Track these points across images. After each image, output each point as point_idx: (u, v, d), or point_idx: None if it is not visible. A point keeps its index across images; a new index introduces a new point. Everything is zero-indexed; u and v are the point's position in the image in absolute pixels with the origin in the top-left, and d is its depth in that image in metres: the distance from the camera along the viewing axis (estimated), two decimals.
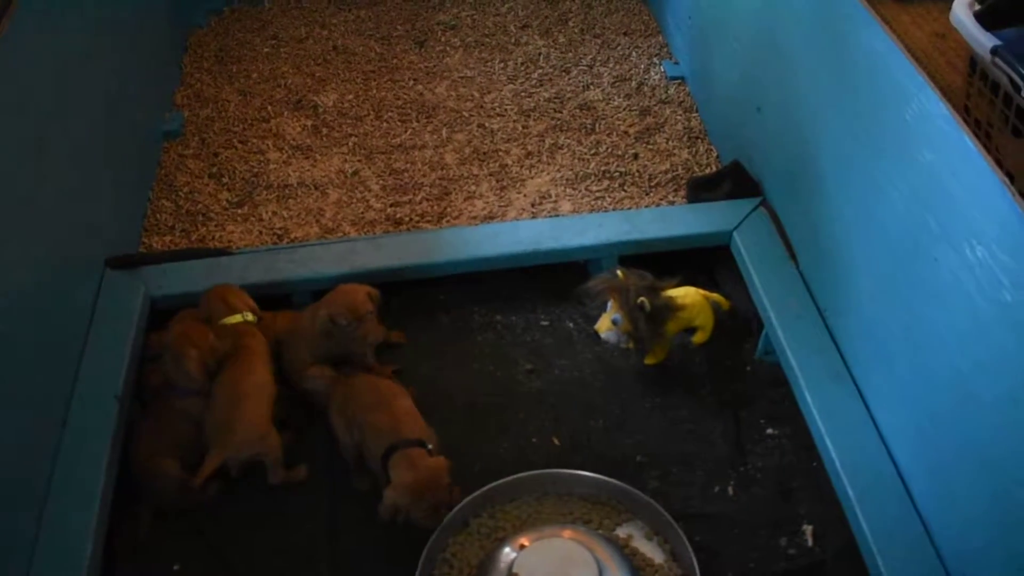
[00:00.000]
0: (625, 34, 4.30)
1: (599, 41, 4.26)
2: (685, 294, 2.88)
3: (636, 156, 3.60)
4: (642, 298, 2.72)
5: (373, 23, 4.41)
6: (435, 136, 3.74)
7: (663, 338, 2.86)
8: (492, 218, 3.36)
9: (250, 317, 2.75)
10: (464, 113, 3.86)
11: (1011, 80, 1.93)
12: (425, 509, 2.36)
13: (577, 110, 3.85)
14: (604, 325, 2.84)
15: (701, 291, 2.94)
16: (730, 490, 2.65)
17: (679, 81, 3.99)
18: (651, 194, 3.43)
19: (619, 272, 2.80)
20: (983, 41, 2.00)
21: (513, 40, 4.28)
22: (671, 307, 2.81)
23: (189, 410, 2.59)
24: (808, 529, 2.55)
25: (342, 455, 2.62)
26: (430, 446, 2.43)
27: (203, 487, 2.58)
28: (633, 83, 3.99)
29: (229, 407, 2.56)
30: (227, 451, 2.52)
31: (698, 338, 2.98)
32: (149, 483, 2.54)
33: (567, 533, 2.43)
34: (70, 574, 2.24)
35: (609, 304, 2.83)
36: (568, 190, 3.46)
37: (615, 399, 2.88)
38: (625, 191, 3.45)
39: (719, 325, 2.97)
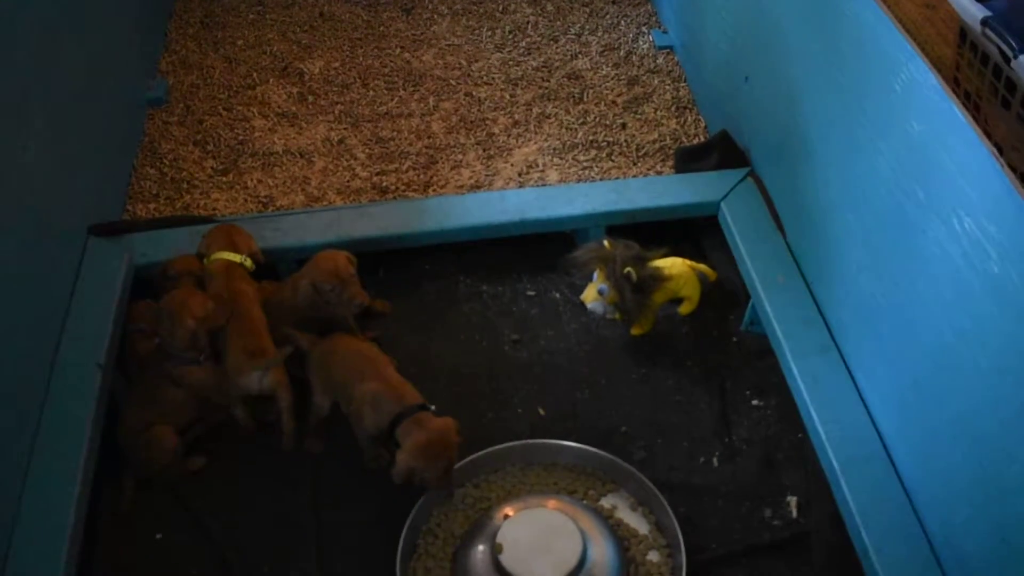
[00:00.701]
0: (613, 3, 4.26)
1: (587, 10, 4.22)
2: (672, 264, 2.88)
3: (624, 126, 3.58)
4: (628, 268, 2.71)
5: None
6: (422, 104, 3.72)
7: (649, 308, 2.86)
8: (479, 187, 3.34)
9: (248, 263, 2.75)
10: (451, 81, 3.83)
11: (1001, 51, 1.92)
12: (439, 470, 2.35)
13: (565, 79, 3.83)
14: (590, 295, 2.83)
15: (688, 261, 2.93)
16: (715, 461, 2.65)
17: (668, 50, 3.96)
18: (639, 164, 3.42)
19: (606, 242, 2.79)
20: (973, 12, 1.99)
21: (501, 8, 4.25)
22: (657, 277, 2.80)
23: (183, 378, 2.58)
24: (792, 500, 2.56)
25: (310, 413, 2.62)
26: (433, 408, 2.42)
27: (190, 459, 2.60)
28: (621, 52, 3.96)
29: (251, 334, 2.60)
30: (256, 363, 2.55)
31: (684, 308, 2.97)
32: (140, 453, 2.54)
33: (552, 503, 2.43)
34: (52, 542, 2.24)
35: (595, 274, 2.82)
36: (555, 159, 3.44)
37: (601, 370, 2.87)
38: (613, 161, 3.43)
39: (705, 296, 2.97)
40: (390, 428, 2.39)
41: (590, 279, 2.85)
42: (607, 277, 2.77)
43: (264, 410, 2.66)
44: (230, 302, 2.63)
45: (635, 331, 2.95)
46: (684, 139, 3.52)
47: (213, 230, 2.81)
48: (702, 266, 2.98)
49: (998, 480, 1.89)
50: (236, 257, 2.73)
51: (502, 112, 3.67)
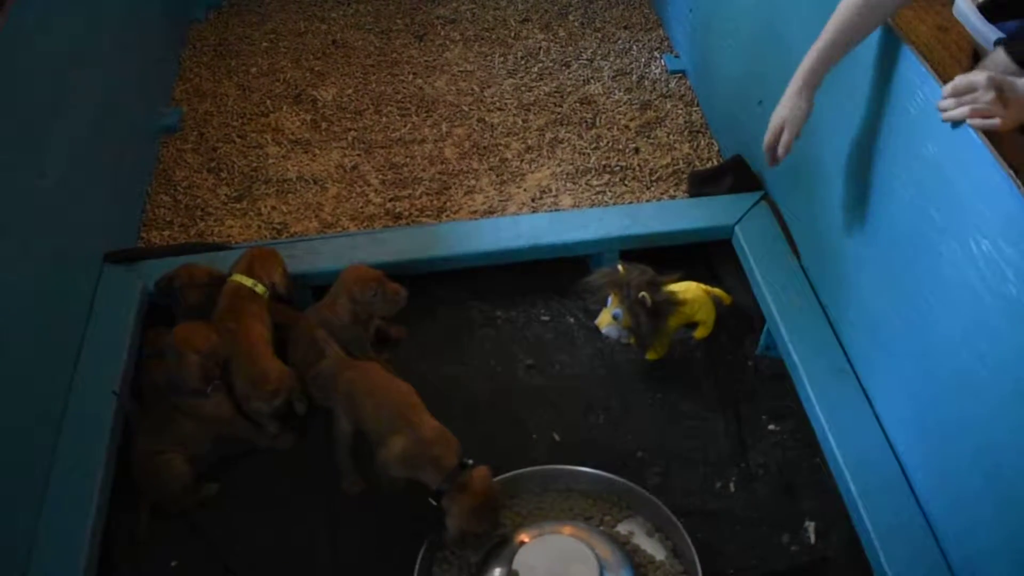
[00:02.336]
0: (625, 28, 4.28)
1: (599, 35, 4.24)
2: (686, 289, 2.87)
3: (637, 150, 3.58)
4: (643, 293, 2.71)
5: (372, 17, 4.39)
6: (435, 130, 3.72)
7: (664, 333, 2.85)
8: (492, 213, 3.34)
9: (259, 289, 2.74)
10: (464, 107, 3.84)
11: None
12: (490, 525, 2.35)
13: (577, 104, 3.83)
14: (605, 320, 2.82)
15: (702, 286, 2.93)
16: (732, 486, 2.63)
17: (680, 75, 3.97)
18: (652, 188, 3.42)
19: (620, 267, 2.79)
20: (987, 33, 1.99)
21: (513, 34, 4.26)
22: (672, 302, 2.79)
23: (194, 411, 2.57)
24: (810, 526, 2.54)
25: (336, 447, 2.60)
26: (470, 461, 2.39)
27: (203, 486, 2.60)
28: (634, 77, 3.97)
29: (252, 358, 2.62)
30: (260, 393, 2.61)
31: (699, 333, 2.97)
32: (152, 480, 2.53)
33: (567, 530, 2.42)
34: (68, 570, 2.23)
35: (610, 299, 2.81)
36: (568, 184, 3.44)
37: (616, 395, 2.86)
38: (626, 185, 3.43)
39: (720, 320, 2.96)
40: (436, 495, 2.36)
41: (604, 304, 2.84)
42: (621, 302, 2.76)
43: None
44: (234, 326, 2.64)
45: (650, 356, 2.94)
46: (697, 163, 3.51)
47: (244, 252, 2.82)
48: (717, 290, 2.98)
49: (1020, 508, 1.87)
50: (247, 281, 2.73)
51: (515, 137, 3.67)
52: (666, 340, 2.91)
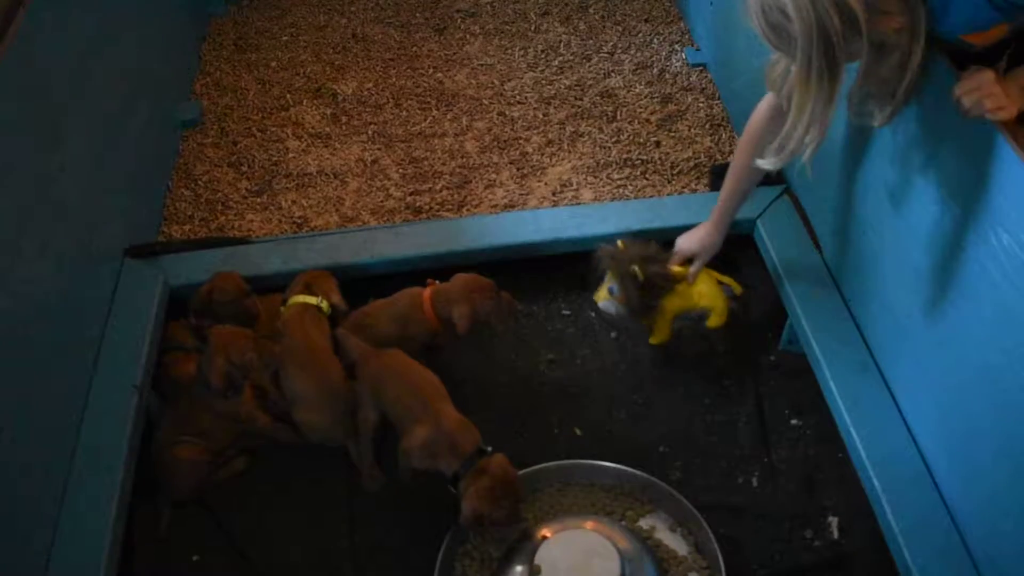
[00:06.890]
0: (646, 21, 4.26)
1: (620, 28, 4.22)
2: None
3: (658, 144, 3.57)
4: (635, 266, 2.66)
5: (392, 11, 4.39)
6: (455, 124, 3.72)
7: (660, 314, 2.81)
8: (512, 207, 3.33)
9: (324, 305, 2.71)
10: (484, 101, 3.83)
11: None
12: (507, 509, 2.33)
13: (598, 98, 3.82)
14: (601, 295, 2.79)
15: (713, 273, 2.86)
16: (754, 481, 2.62)
17: (701, 68, 3.95)
18: (673, 182, 3.40)
19: (619, 242, 2.75)
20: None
21: (533, 27, 4.25)
22: (668, 278, 2.74)
23: (214, 406, 2.58)
24: (833, 521, 2.52)
25: (359, 437, 2.60)
26: (489, 449, 2.40)
27: (233, 460, 2.65)
28: (654, 70, 3.95)
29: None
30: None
31: (711, 322, 2.85)
32: (171, 471, 2.54)
33: (589, 524, 2.41)
34: (90, 564, 2.24)
35: (608, 274, 2.77)
36: (589, 178, 3.43)
37: (637, 389, 2.85)
38: (647, 179, 3.42)
39: (744, 313, 2.93)
40: (451, 481, 2.37)
41: (602, 280, 2.80)
42: (616, 276, 2.72)
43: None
44: (277, 352, 2.62)
45: (653, 340, 2.91)
46: (719, 156, 3.50)
47: (298, 276, 2.79)
48: (727, 278, 2.89)
49: None
50: (312, 300, 2.70)
51: (535, 131, 3.66)
52: (666, 323, 2.86)
